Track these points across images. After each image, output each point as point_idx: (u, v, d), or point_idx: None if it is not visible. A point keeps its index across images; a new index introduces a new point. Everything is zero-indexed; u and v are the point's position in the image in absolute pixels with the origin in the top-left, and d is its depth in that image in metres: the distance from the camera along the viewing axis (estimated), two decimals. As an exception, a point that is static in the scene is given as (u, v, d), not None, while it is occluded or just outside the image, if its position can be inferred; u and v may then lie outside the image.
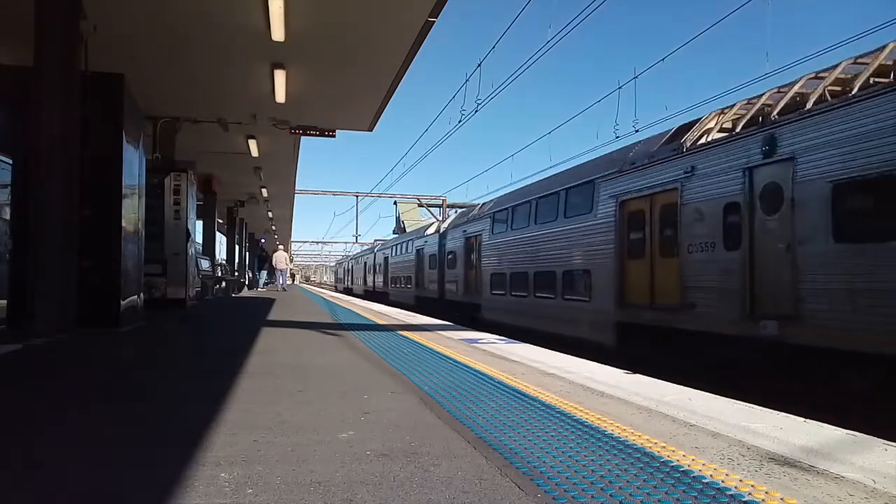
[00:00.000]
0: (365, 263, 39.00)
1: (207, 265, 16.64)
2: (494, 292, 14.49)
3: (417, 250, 23.14)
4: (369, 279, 36.38)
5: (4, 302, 6.53)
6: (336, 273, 65.71)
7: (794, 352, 6.25)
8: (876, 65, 6.55)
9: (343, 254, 70.23)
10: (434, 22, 7.49)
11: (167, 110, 11.31)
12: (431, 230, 22.15)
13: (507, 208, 14.33)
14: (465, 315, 15.62)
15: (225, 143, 13.11)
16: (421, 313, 12.83)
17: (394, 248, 29.16)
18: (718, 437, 2.64)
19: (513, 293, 13.46)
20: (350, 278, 47.24)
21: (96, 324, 6.52)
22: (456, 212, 23.19)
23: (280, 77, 9.24)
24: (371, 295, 32.33)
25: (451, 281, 18.67)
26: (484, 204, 17.14)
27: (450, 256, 18.89)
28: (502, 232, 14.32)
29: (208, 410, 2.86)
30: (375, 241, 43.34)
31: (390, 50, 8.36)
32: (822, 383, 5.83)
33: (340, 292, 41.39)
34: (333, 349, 5.76)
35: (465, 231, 17.49)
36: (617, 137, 18.96)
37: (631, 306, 9.07)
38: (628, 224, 9.35)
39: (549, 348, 6.23)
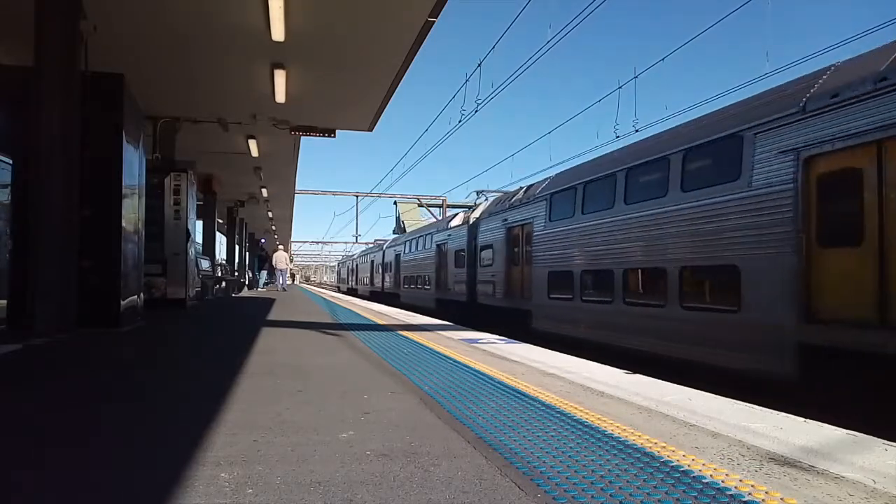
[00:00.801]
0: (372, 262, 35.64)
1: (207, 265, 16.64)
2: (554, 296, 11.16)
3: (438, 245, 19.95)
4: (377, 279, 33.37)
5: (4, 302, 6.53)
6: (339, 273, 62.05)
7: None
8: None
9: (343, 253, 70.01)
10: (434, 22, 7.49)
11: (167, 110, 11.31)
12: (457, 221, 18.85)
13: (572, 187, 10.99)
14: (508, 323, 12.61)
15: (225, 143, 13.11)
16: (445, 319, 11.76)
17: (407, 244, 25.79)
18: (718, 437, 2.64)
19: (586, 297, 10.15)
20: (354, 278, 44.30)
21: (96, 324, 6.52)
22: (485, 198, 18.86)
23: (280, 77, 9.25)
24: (379, 297, 29.36)
25: (485, 281, 15.29)
26: (531, 186, 13.55)
27: (484, 252, 15.49)
28: (566, 218, 11.00)
29: (208, 410, 2.87)
30: (376, 240, 43.00)
31: (390, 50, 8.36)
32: None
33: (343, 293, 39.15)
34: (333, 349, 5.76)
35: (505, 220, 14.12)
36: (617, 137, 18.97)
37: (831, 321, 5.72)
38: (822, 192, 5.99)
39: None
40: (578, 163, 12.38)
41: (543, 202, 12.11)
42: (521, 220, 13.21)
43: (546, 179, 12.82)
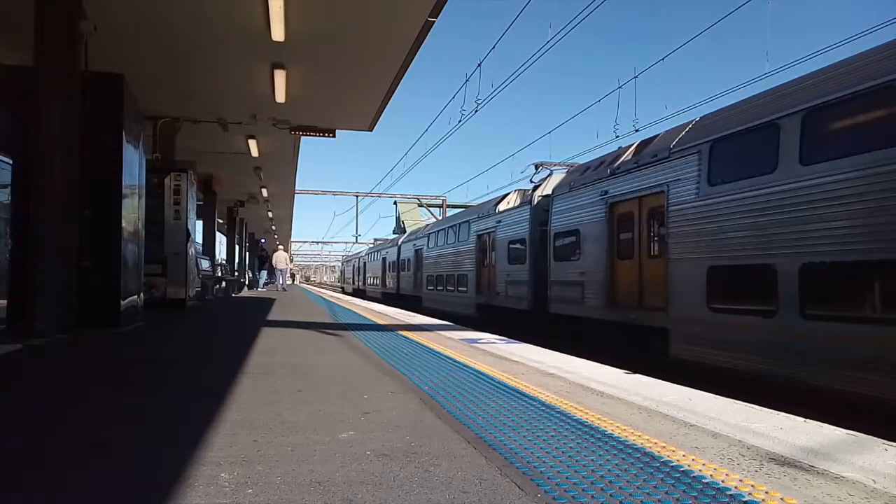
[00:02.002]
0: (383, 259, 31.21)
1: (207, 265, 16.63)
2: (722, 305, 7.02)
3: (480, 236, 16.05)
4: (390, 279, 29.10)
5: (4, 302, 6.53)
6: (342, 272, 57.23)
7: None
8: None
9: (344, 253, 69.63)
10: (434, 22, 7.48)
11: (167, 110, 11.30)
12: (510, 202, 14.79)
13: (769, 125, 6.53)
14: (615, 343, 9.24)
15: (225, 143, 13.11)
16: (494, 331, 8.59)
17: (432, 236, 21.36)
18: (718, 437, 2.64)
19: (818, 311, 5.75)
20: (361, 278, 39.63)
21: (96, 324, 6.51)
22: (549, 171, 14.07)
23: (280, 77, 9.24)
24: (393, 300, 25.03)
25: (565, 282, 11.07)
26: (652, 139, 9.26)
27: (564, 240, 11.31)
28: (759, 175, 6.55)
29: (208, 410, 2.87)
30: (376, 240, 42.59)
31: (390, 50, 8.36)
32: None
33: (348, 294, 35.96)
34: (333, 349, 5.76)
35: (605, 193, 9.83)
36: (617, 137, 18.92)
37: None
38: None
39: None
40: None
41: (694, 157, 7.62)
42: (639, 190, 8.89)
43: (688, 124, 8.24)
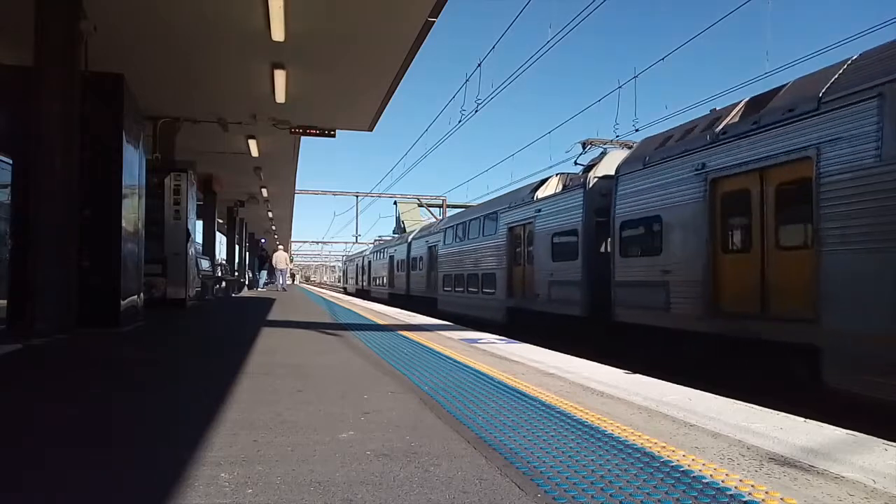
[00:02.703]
0: (391, 258, 28.22)
1: (207, 265, 16.63)
2: None
3: (511, 229, 13.64)
4: (398, 279, 26.26)
5: (4, 302, 6.53)
6: (344, 271, 53.72)
7: None
8: None
9: (344, 253, 69.27)
10: (434, 22, 7.48)
11: (167, 110, 11.30)
12: (553, 187, 12.48)
13: None
14: (731, 363, 7.09)
15: (225, 143, 13.11)
16: (527, 339, 7.28)
17: (450, 231, 18.65)
18: (718, 437, 2.64)
19: None
20: (365, 277, 36.71)
21: (96, 324, 6.51)
22: (602, 149, 12.22)
23: (280, 77, 9.24)
24: (400, 301, 23.09)
25: (637, 283, 8.94)
26: (805, 80, 6.81)
27: (632, 231, 9.28)
28: None
29: (208, 410, 2.87)
30: (376, 240, 42.24)
31: (390, 50, 8.36)
32: None
33: (351, 295, 33.99)
34: (333, 349, 5.76)
35: (702, 166, 7.68)
36: (617, 136, 18.88)
37: None
38: None
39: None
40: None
41: (869, 104, 5.55)
42: (763, 159, 6.71)
43: (841, 64, 6.21)
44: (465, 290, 16.88)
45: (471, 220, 17.17)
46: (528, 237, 13.04)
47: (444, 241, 19.30)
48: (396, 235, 32.34)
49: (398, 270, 26.77)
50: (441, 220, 22.11)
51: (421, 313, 12.60)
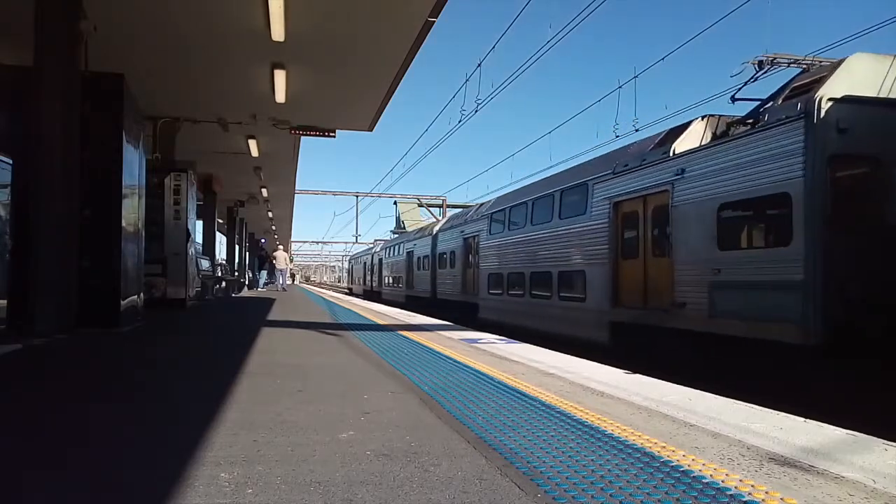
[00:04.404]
0: (409, 254, 24.07)
1: (207, 265, 16.63)
2: None
3: (621, 203, 9.51)
4: (419, 278, 22.27)
5: (4, 302, 6.53)
6: (349, 270, 49.00)
7: None
8: None
9: (344, 253, 68.92)
10: (434, 22, 7.49)
11: (167, 110, 11.31)
12: (701, 132, 8.72)
13: None
14: None
15: (225, 143, 13.11)
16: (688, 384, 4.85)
17: (498, 217, 14.73)
18: (718, 437, 2.64)
19: None
20: (374, 277, 32.85)
21: (96, 324, 6.51)
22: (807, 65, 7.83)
23: (280, 77, 9.25)
24: (419, 305, 19.80)
25: None
26: None
27: None
28: None
29: (208, 410, 2.87)
30: (375, 240, 42.04)
31: (390, 50, 8.36)
32: None
33: (356, 296, 31.14)
34: (333, 349, 5.76)
35: None
36: (617, 137, 18.79)
37: None
38: None
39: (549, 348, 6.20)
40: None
41: None
42: None
43: None
44: (525, 293, 12.64)
45: (536, 198, 12.68)
46: (657, 215, 8.71)
47: (490, 230, 15.04)
48: (411, 230, 28.51)
49: (419, 269, 22.33)
50: (481, 205, 17.21)
51: (450, 320, 10.51)
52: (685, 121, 9.04)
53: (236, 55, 8.62)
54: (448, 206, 34.59)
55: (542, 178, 13.62)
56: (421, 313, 12.69)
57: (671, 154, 8.55)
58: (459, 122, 20.45)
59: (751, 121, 7.71)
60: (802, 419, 2.99)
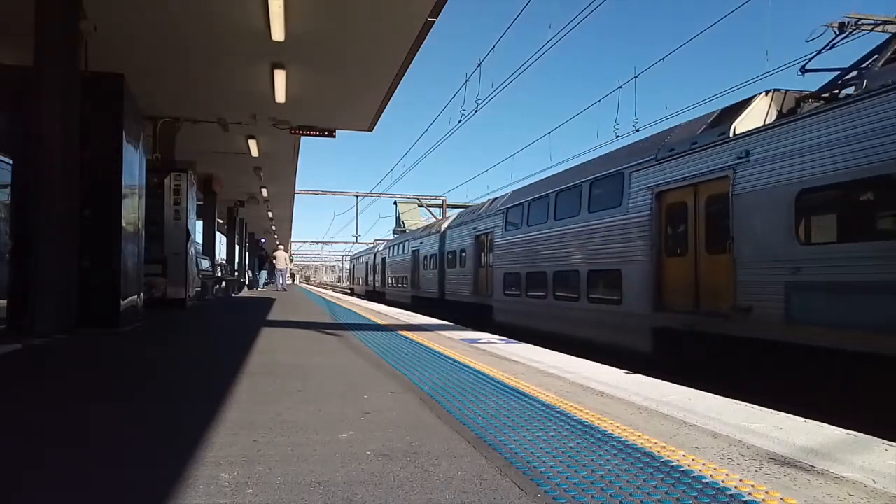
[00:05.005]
0: (414, 252, 22.90)
1: (207, 265, 16.63)
2: None
3: (665, 194, 8.42)
4: (425, 278, 21.08)
5: (4, 302, 6.53)
6: (351, 270, 47.13)
7: None
8: None
9: (344, 253, 68.65)
10: (434, 22, 7.49)
11: (167, 110, 11.31)
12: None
13: None
14: None
15: (225, 143, 13.12)
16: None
17: (514, 213, 13.64)
18: (718, 437, 2.64)
19: None
20: (377, 277, 31.47)
21: (96, 324, 6.52)
22: None
23: (280, 77, 9.25)
24: (423, 305, 19.19)
25: None
26: None
27: None
28: None
29: (208, 410, 2.87)
30: (376, 240, 41.96)
31: (390, 50, 8.36)
32: None
33: (358, 296, 30.29)
34: (333, 349, 5.76)
35: None
36: (617, 137, 18.74)
37: None
38: None
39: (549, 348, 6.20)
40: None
41: None
42: None
43: None
44: (548, 295, 11.57)
45: (559, 191, 11.62)
46: (712, 205, 7.58)
47: (506, 226, 13.99)
48: (417, 228, 27.65)
49: (425, 268, 21.29)
50: (495, 200, 16.09)
51: (462, 323, 9.81)
52: (742, 99, 7.81)
53: (236, 55, 8.62)
54: (448, 206, 34.59)
55: (565, 169, 12.56)
56: (427, 315, 12.24)
57: (731, 134, 7.38)
58: (459, 122, 20.43)
59: (826, 95, 6.93)
60: (802, 419, 2.99)
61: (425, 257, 21.40)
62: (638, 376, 4.37)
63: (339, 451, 2.27)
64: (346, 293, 36.62)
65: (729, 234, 7.12)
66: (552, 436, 2.58)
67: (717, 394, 3.69)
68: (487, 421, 2.82)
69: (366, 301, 20.24)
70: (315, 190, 40.71)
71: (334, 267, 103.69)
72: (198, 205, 13.89)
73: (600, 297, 9.87)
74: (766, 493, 1.92)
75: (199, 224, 16.93)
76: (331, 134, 12.25)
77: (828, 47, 7.42)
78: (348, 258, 57.75)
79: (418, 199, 36.38)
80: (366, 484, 1.91)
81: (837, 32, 7.30)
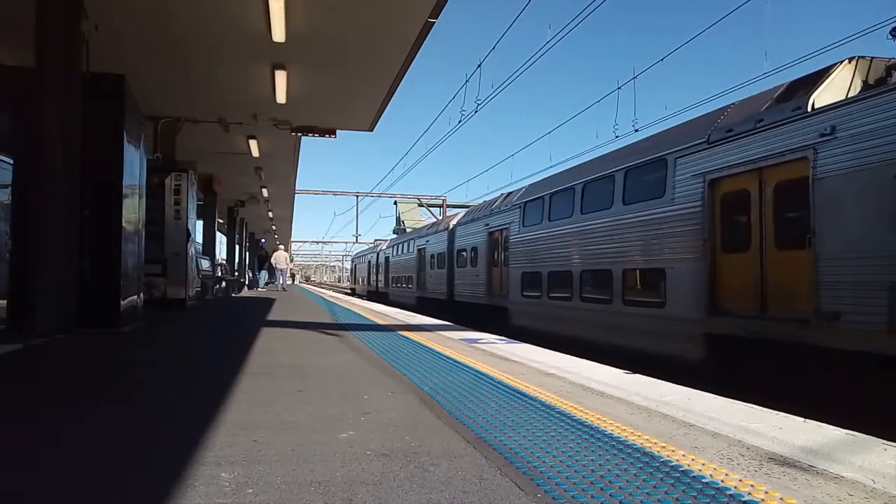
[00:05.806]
0: (420, 251, 21.77)
1: (207, 265, 16.62)
2: None
3: (717, 182, 7.30)
4: (434, 279, 19.87)
5: (4, 302, 6.53)
6: (352, 270, 45.46)
7: None
8: None
9: (345, 253, 68.42)
10: (434, 22, 7.49)
11: (168, 110, 11.31)
12: None
13: None
14: None
15: (225, 143, 13.12)
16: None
17: (532, 208, 12.77)
18: (718, 436, 2.64)
19: None
20: (380, 277, 30.14)
21: (96, 324, 6.51)
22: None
23: (281, 78, 9.25)
24: (431, 307, 18.06)
25: None
26: None
27: None
28: None
29: (208, 410, 2.87)
30: (376, 240, 41.86)
31: (390, 50, 8.37)
32: None
33: (359, 297, 29.57)
34: (333, 349, 5.76)
35: None
36: (616, 137, 18.72)
37: None
38: None
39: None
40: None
41: None
42: None
43: None
44: (573, 296, 10.55)
45: (587, 182, 10.55)
46: (785, 192, 6.53)
47: (523, 222, 12.94)
48: (423, 225, 26.88)
49: (432, 267, 20.12)
50: (510, 194, 14.89)
51: (484, 329, 8.81)
52: (815, 70, 6.81)
53: (237, 56, 8.62)
54: (448, 206, 34.60)
55: (592, 158, 11.48)
56: (432, 316, 11.80)
57: (808, 109, 6.29)
58: (459, 122, 20.46)
59: None
60: (802, 419, 2.99)
61: (432, 256, 20.28)
62: (638, 376, 4.37)
63: (339, 451, 2.27)
64: (347, 293, 36.13)
65: (808, 225, 6.01)
66: (552, 436, 2.58)
67: (716, 394, 3.70)
68: (487, 421, 2.82)
69: (366, 301, 20.23)
70: (315, 190, 40.69)
71: (334, 267, 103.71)
72: (198, 205, 13.90)
73: (638, 300, 8.85)
74: (766, 492, 1.92)
75: (200, 224, 16.93)
76: (331, 134, 12.25)
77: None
78: (349, 258, 56.70)
79: (418, 199, 36.39)
80: (366, 484, 1.91)
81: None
